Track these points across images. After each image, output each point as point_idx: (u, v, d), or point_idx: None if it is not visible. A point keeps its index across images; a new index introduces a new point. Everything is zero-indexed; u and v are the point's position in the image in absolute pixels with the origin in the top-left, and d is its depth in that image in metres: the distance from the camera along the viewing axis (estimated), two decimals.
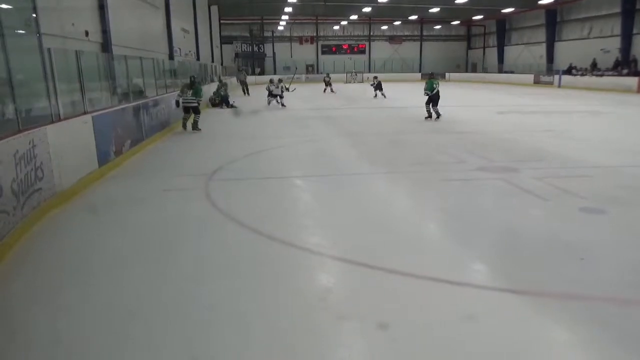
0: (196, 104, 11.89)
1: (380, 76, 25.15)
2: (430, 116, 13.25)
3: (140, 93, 10.66)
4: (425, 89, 13.15)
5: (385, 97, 21.82)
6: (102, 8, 12.82)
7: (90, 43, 12.09)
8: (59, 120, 6.04)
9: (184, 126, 12.14)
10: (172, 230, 4.86)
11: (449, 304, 3.25)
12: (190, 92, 11.70)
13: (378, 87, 22.44)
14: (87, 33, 11.88)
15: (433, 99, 13.06)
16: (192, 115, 12.02)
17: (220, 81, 20.37)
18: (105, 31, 12.95)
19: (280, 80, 18.33)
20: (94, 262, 4.10)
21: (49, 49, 6.23)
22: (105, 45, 12.96)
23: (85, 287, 3.60)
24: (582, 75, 29.15)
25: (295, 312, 3.18)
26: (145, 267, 3.93)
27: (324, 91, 25.87)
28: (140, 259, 4.12)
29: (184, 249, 4.30)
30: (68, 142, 6.03)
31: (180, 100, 11.79)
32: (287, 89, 18.75)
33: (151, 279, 3.71)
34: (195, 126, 12.06)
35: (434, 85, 13.00)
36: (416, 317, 3.07)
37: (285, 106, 17.76)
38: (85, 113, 6.87)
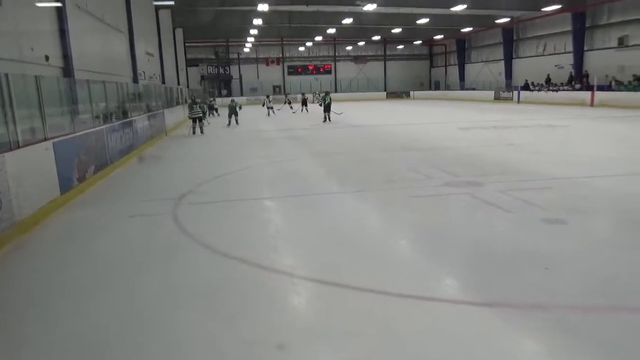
0: (201, 115, 17.55)
1: (345, 95, 28.04)
2: (325, 119, 19.85)
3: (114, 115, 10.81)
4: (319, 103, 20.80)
5: (307, 111, 26.42)
6: (62, 32, 12.60)
7: (51, 68, 11.83)
8: (18, 147, 5.86)
9: (194, 132, 16.87)
10: (138, 258, 4.73)
11: (418, 319, 3.28)
12: (197, 106, 17.26)
13: (304, 103, 27.59)
14: (47, 57, 11.63)
15: (327, 108, 19.74)
16: (198, 123, 17.07)
17: (204, 102, 24.05)
18: (66, 55, 12.70)
19: (267, 97, 26.81)
20: (57, 293, 3.95)
21: (6, 74, 6.06)
22: (67, 70, 12.70)
23: (49, 319, 3.46)
24: (538, 90, 30.38)
25: (267, 334, 3.14)
26: (110, 297, 3.81)
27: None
28: (106, 288, 3.99)
29: (150, 277, 4.19)
30: (28, 170, 5.85)
31: (190, 114, 17.24)
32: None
33: (117, 309, 3.59)
34: (202, 130, 17.15)
35: (326, 99, 19.95)
36: (387, 334, 3.08)
37: (275, 114, 25.32)
38: (45, 139, 6.69)
